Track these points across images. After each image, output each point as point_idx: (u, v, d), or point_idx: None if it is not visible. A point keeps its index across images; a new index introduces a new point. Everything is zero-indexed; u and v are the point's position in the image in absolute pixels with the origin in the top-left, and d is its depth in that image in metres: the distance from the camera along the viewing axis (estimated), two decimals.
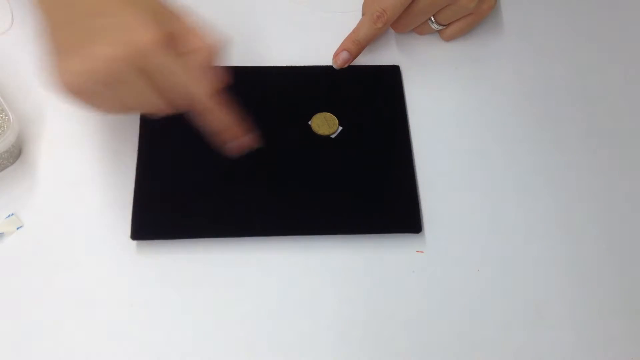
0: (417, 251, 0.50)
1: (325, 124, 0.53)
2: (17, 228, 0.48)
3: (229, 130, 0.45)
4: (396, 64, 0.56)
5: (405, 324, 0.47)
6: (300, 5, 0.59)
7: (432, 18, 0.56)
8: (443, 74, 0.57)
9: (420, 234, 0.50)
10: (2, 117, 0.48)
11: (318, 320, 0.47)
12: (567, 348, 0.48)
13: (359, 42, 0.54)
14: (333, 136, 0.53)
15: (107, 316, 0.46)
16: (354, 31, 0.54)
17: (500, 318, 0.48)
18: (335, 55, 0.54)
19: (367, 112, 0.54)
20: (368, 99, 0.54)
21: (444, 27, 0.57)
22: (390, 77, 0.56)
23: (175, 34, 0.40)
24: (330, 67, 0.55)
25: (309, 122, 0.53)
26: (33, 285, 0.46)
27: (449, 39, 0.58)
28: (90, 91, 0.40)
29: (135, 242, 0.48)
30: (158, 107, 0.42)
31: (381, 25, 0.53)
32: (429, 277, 0.49)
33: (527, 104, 0.56)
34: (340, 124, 0.53)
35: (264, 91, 0.54)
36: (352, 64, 0.55)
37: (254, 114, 0.53)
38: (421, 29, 0.57)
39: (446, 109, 0.55)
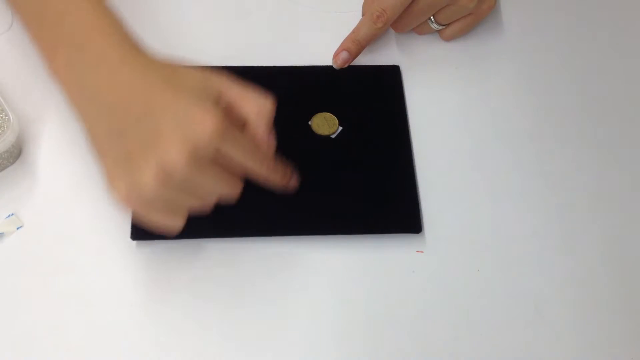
0: (417, 251, 0.50)
1: (325, 124, 0.53)
2: (17, 228, 0.48)
3: (282, 180, 0.44)
4: (396, 64, 0.56)
5: (405, 324, 0.47)
6: (300, 6, 0.59)
7: (431, 18, 0.56)
8: (443, 73, 0.57)
9: (420, 234, 0.50)
10: (2, 117, 0.48)
11: (318, 320, 0.47)
12: (567, 348, 0.47)
13: (359, 42, 0.54)
14: (333, 136, 0.53)
15: (107, 316, 0.46)
16: (354, 31, 0.54)
17: (500, 318, 0.48)
18: (335, 55, 0.54)
19: (367, 112, 0.54)
20: (368, 99, 0.54)
21: (444, 27, 0.57)
22: (390, 77, 0.56)
23: (228, 107, 0.39)
24: (330, 67, 0.55)
25: (309, 122, 0.53)
26: (33, 285, 0.46)
27: (448, 38, 0.58)
28: (161, 200, 0.38)
29: (135, 242, 0.48)
30: (228, 189, 0.40)
31: (381, 25, 0.53)
32: (429, 277, 0.49)
33: (527, 103, 0.56)
34: (340, 124, 0.53)
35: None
36: (352, 64, 0.55)
37: None
38: (421, 29, 0.57)
39: (446, 109, 0.55)
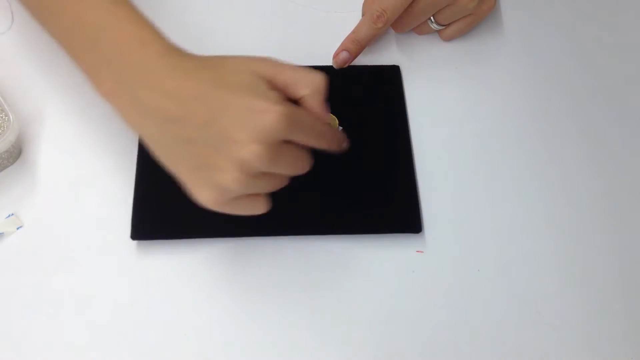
0: (417, 251, 0.50)
1: None
2: (17, 228, 0.48)
3: (338, 144, 0.45)
4: (396, 64, 0.56)
5: (405, 323, 0.47)
6: (300, 6, 0.59)
7: (431, 18, 0.56)
8: (443, 73, 0.57)
9: (420, 234, 0.50)
10: (2, 117, 0.48)
11: (318, 320, 0.47)
12: (567, 348, 0.47)
13: (359, 42, 0.54)
14: None
15: (107, 316, 0.46)
16: (354, 31, 0.54)
17: (500, 318, 0.48)
18: (335, 55, 0.54)
19: (367, 112, 0.54)
20: (368, 99, 0.54)
21: (444, 27, 0.57)
22: (390, 77, 0.56)
23: (282, 88, 0.39)
24: (330, 67, 0.55)
25: None
26: (33, 285, 0.46)
27: (448, 39, 0.58)
28: (245, 193, 0.39)
29: (135, 242, 0.48)
30: (301, 164, 0.41)
31: (381, 25, 0.53)
32: (429, 277, 0.49)
33: (527, 103, 0.56)
34: (340, 124, 0.53)
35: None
36: (352, 64, 0.55)
37: None
38: (421, 29, 0.57)
39: (446, 109, 0.55)
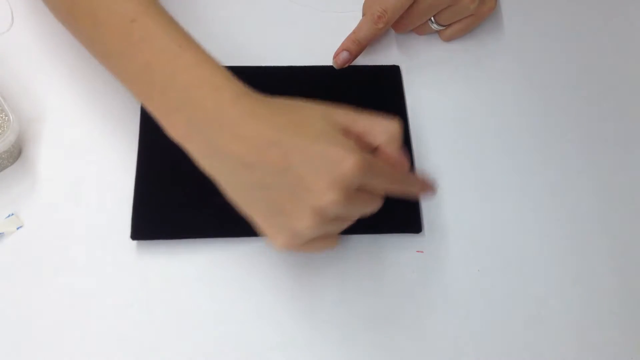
0: (417, 251, 0.50)
1: None
2: (17, 228, 0.48)
3: (422, 189, 0.45)
4: (396, 64, 0.56)
5: (405, 324, 0.47)
6: (300, 5, 0.59)
7: (432, 18, 0.56)
8: (443, 74, 0.57)
9: (420, 234, 0.50)
10: (2, 117, 0.48)
11: (318, 320, 0.47)
12: (567, 348, 0.48)
13: (359, 42, 0.54)
14: None
15: (107, 316, 0.46)
16: (354, 31, 0.54)
17: (500, 318, 0.48)
18: (336, 55, 0.54)
19: (367, 112, 0.54)
20: (368, 99, 0.54)
21: (444, 27, 0.57)
22: (390, 77, 0.56)
23: (358, 137, 0.40)
24: (330, 67, 0.55)
25: None
26: (33, 285, 0.46)
27: (448, 39, 0.58)
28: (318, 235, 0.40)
29: (135, 242, 0.48)
30: (373, 207, 0.42)
31: (382, 25, 0.53)
32: (429, 277, 0.49)
33: (527, 103, 0.56)
34: None
35: (264, 91, 0.54)
36: (352, 64, 0.55)
37: None
38: (421, 29, 0.57)
39: (446, 109, 0.55)
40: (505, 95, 0.57)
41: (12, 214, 0.48)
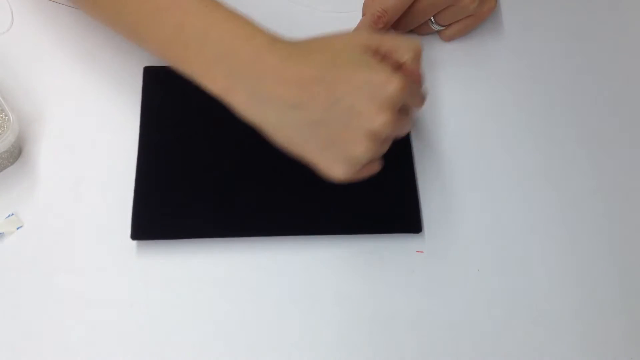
0: (417, 251, 0.50)
1: None
2: (17, 228, 0.48)
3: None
4: None
5: (405, 323, 0.47)
6: (300, 5, 0.59)
7: (432, 19, 0.56)
8: (443, 74, 0.57)
9: (420, 234, 0.50)
10: (2, 117, 0.48)
11: (318, 320, 0.47)
12: (567, 348, 0.48)
13: None
14: None
15: (107, 316, 0.46)
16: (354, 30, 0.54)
17: (500, 318, 0.48)
18: None
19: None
20: None
21: (444, 27, 0.57)
22: None
23: (389, 56, 0.43)
24: None
25: None
26: (33, 285, 0.46)
27: (448, 39, 0.58)
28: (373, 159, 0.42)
29: (135, 242, 0.48)
30: (409, 127, 0.45)
31: (382, 25, 0.53)
32: (429, 277, 0.49)
33: (527, 103, 0.56)
34: None
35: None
36: None
37: None
38: (421, 30, 0.57)
39: (446, 109, 0.55)
40: (505, 95, 0.57)
41: (12, 214, 0.48)
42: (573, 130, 0.56)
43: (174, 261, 0.48)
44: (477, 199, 0.52)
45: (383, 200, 0.50)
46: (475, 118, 0.55)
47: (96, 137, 0.51)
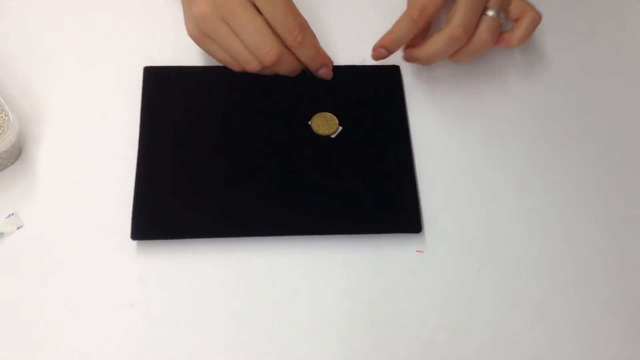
0: (417, 251, 0.50)
1: (325, 124, 0.53)
2: (17, 228, 0.48)
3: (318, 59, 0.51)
4: (396, 64, 0.56)
5: (405, 323, 0.47)
6: (303, 5, 0.59)
7: (500, 13, 0.52)
8: (443, 74, 0.57)
9: (420, 234, 0.50)
10: (2, 117, 0.48)
11: (318, 320, 0.47)
12: (567, 348, 0.48)
13: (398, 42, 0.52)
14: (333, 136, 0.53)
15: (107, 316, 0.46)
16: (393, 30, 0.52)
17: (500, 318, 0.48)
18: (375, 48, 0.53)
19: (367, 112, 0.54)
20: (368, 99, 0.54)
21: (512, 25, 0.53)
22: (390, 77, 0.56)
23: None
24: (333, 67, 0.55)
25: (309, 122, 0.53)
26: (33, 285, 0.46)
27: (517, 44, 0.53)
28: (206, 35, 0.49)
29: (135, 242, 0.48)
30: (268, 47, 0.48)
31: (422, 24, 0.51)
32: (429, 277, 0.49)
33: (527, 103, 0.56)
34: (340, 124, 0.53)
35: (265, 90, 0.54)
36: (352, 64, 0.55)
37: (254, 114, 0.53)
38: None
39: (446, 109, 0.55)
40: (506, 94, 0.57)
41: (12, 214, 0.48)
42: (573, 130, 0.56)
43: (174, 261, 0.48)
44: (477, 199, 0.52)
45: (383, 200, 0.50)
46: (475, 117, 0.55)
47: (96, 137, 0.51)
